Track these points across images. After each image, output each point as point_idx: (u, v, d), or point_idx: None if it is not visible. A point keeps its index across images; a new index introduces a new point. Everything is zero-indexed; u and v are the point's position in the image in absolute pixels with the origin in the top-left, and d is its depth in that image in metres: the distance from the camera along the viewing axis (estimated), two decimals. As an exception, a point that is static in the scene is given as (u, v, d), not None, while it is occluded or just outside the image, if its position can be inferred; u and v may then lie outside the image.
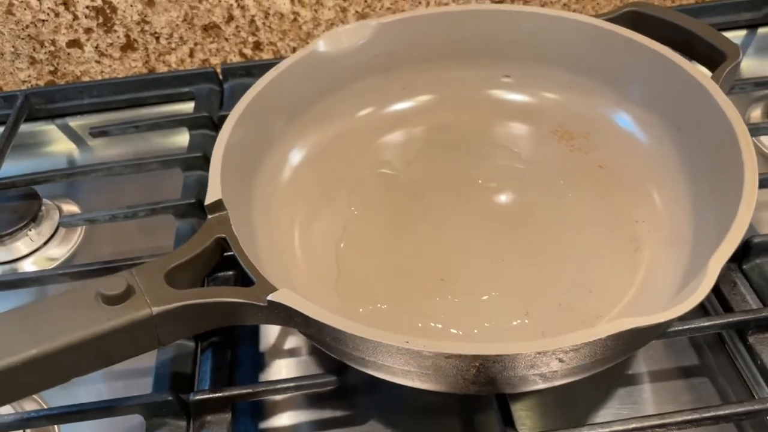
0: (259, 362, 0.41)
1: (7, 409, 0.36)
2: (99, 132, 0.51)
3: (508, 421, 0.33)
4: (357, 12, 0.59)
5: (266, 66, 0.56)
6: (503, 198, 0.43)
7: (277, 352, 0.42)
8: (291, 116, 0.43)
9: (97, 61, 0.60)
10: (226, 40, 0.60)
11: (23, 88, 0.61)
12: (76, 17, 0.57)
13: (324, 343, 0.32)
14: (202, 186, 0.48)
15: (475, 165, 0.45)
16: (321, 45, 0.44)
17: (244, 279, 0.42)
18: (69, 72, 0.60)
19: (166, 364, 0.38)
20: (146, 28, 0.58)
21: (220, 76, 0.57)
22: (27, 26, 0.57)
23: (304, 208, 0.42)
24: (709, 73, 0.40)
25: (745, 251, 0.39)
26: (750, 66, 0.59)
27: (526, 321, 0.36)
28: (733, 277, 0.39)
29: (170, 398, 0.35)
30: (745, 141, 0.34)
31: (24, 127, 0.55)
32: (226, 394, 0.35)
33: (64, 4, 0.56)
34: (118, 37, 0.59)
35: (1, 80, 0.60)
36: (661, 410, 0.37)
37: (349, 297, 0.39)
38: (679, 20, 0.42)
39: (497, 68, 0.48)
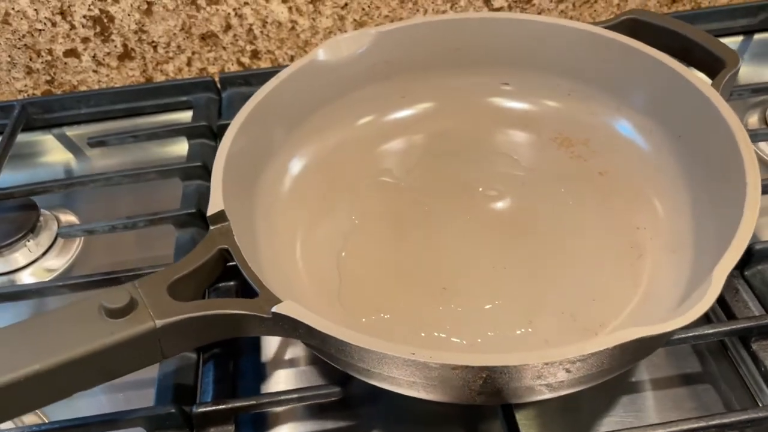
0: (261, 373, 0.41)
1: (8, 425, 0.36)
2: (97, 142, 0.51)
3: (514, 430, 0.33)
4: (355, 20, 0.59)
5: (264, 74, 0.56)
6: (504, 205, 0.43)
7: (279, 362, 0.42)
8: (291, 125, 0.43)
9: (95, 71, 0.60)
10: (224, 48, 0.60)
11: (20, 98, 0.60)
12: (73, 27, 0.57)
13: (328, 354, 0.32)
14: (202, 195, 0.47)
15: (476, 172, 0.45)
16: (320, 54, 0.44)
17: (245, 289, 0.42)
18: (66, 81, 0.60)
19: (169, 376, 0.37)
20: (144, 37, 0.58)
21: (218, 85, 0.57)
22: (23, 36, 0.57)
23: (305, 218, 0.42)
24: (707, 80, 0.40)
25: (746, 258, 0.40)
26: (746, 72, 0.59)
27: (530, 330, 0.36)
28: (735, 283, 0.39)
29: (173, 411, 0.34)
30: (747, 148, 0.34)
31: (21, 137, 0.55)
32: (230, 406, 0.35)
33: (61, 13, 0.56)
34: (115, 46, 0.58)
35: (-3, 90, 0.60)
36: (664, 418, 0.37)
37: (351, 306, 0.38)
38: (677, 27, 0.42)
39: (496, 76, 0.48)
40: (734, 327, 0.36)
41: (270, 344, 0.42)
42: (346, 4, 0.58)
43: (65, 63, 0.59)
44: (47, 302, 0.46)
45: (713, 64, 0.40)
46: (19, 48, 0.58)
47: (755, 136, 0.47)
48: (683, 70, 0.40)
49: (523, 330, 0.36)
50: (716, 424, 0.32)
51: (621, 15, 0.44)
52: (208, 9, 0.57)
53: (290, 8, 0.58)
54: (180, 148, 0.55)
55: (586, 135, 0.45)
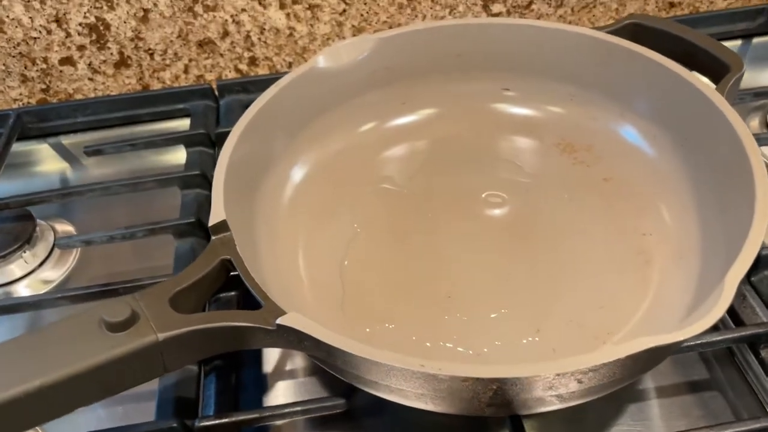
0: (263, 385, 0.40)
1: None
2: (93, 150, 0.50)
3: (523, 441, 0.32)
4: (353, 26, 0.59)
5: (262, 81, 0.56)
6: (508, 212, 0.43)
7: (280, 374, 0.41)
8: (292, 132, 0.43)
9: (90, 79, 0.59)
10: (221, 55, 0.59)
11: (14, 106, 0.60)
12: (68, 34, 0.56)
13: (334, 366, 0.31)
14: (201, 205, 0.47)
15: (479, 179, 0.45)
16: (321, 60, 0.43)
17: (246, 300, 0.42)
18: (61, 90, 0.59)
19: (170, 389, 0.37)
20: (140, 44, 0.58)
21: (216, 93, 0.57)
22: (18, 44, 0.56)
23: (306, 226, 0.42)
24: (711, 85, 0.40)
25: (754, 264, 0.39)
26: (745, 76, 0.59)
27: (537, 339, 0.36)
28: (742, 290, 0.39)
29: (175, 425, 0.34)
30: (754, 153, 0.34)
31: (16, 147, 0.54)
32: (233, 419, 0.34)
33: (57, 21, 0.55)
34: (111, 54, 0.58)
35: (-9, 99, 0.59)
36: (672, 426, 0.37)
37: (355, 316, 0.38)
38: (681, 32, 0.42)
39: (497, 81, 0.47)
40: (743, 333, 0.36)
41: (271, 356, 0.42)
42: (344, 11, 0.58)
43: (61, 71, 0.58)
44: (44, 314, 0.46)
45: (717, 69, 0.40)
46: (13, 56, 0.57)
47: (757, 140, 0.46)
48: (688, 75, 0.39)
49: (530, 339, 0.36)
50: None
51: (623, 20, 0.44)
52: (205, 16, 0.57)
53: (288, 15, 0.57)
54: (176, 156, 0.54)
55: (590, 141, 0.45)
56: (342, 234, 0.42)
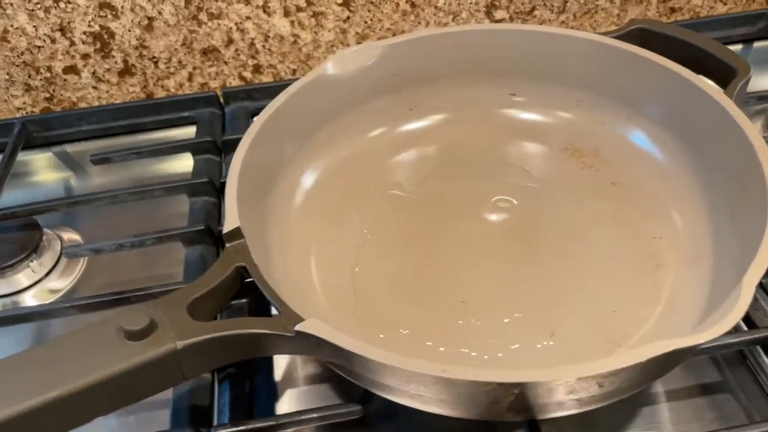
0: (275, 393, 0.40)
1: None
2: (100, 159, 0.50)
3: (542, 446, 0.32)
4: (357, 33, 0.59)
5: (267, 89, 0.56)
6: (518, 217, 0.43)
7: (292, 381, 0.41)
8: (302, 139, 0.43)
9: (94, 87, 0.59)
10: (226, 63, 0.59)
11: (18, 115, 0.59)
12: (73, 43, 0.56)
13: (351, 372, 0.31)
14: (209, 212, 0.47)
15: (488, 184, 0.45)
16: (329, 67, 0.44)
17: (256, 307, 0.42)
18: (65, 98, 0.59)
19: (184, 398, 0.37)
20: (144, 52, 0.57)
21: (221, 100, 0.57)
22: (22, 53, 0.56)
23: (317, 232, 0.42)
24: (718, 89, 0.40)
25: (765, 267, 0.39)
26: (746, 80, 0.59)
27: (551, 343, 0.36)
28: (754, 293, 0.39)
29: (190, 433, 0.34)
30: (765, 156, 0.34)
31: (20, 156, 0.54)
32: (249, 427, 0.34)
33: (61, 30, 0.55)
34: (115, 62, 0.58)
35: (-6, 108, 0.59)
36: (686, 429, 0.37)
37: (368, 322, 0.38)
38: (687, 37, 0.42)
39: (504, 87, 0.48)
40: (756, 336, 0.36)
41: (281, 363, 0.41)
42: (348, 18, 0.58)
43: (65, 80, 0.58)
44: (51, 324, 0.45)
45: (724, 73, 0.40)
46: (17, 65, 0.57)
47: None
48: (696, 79, 0.40)
49: (545, 343, 0.36)
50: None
51: (629, 25, 0.44)
52: (209, 24, 0.57)
53: (292, 22, 0.57)
54: (177, 164, 0.55)
55: (597, 145, 0.45)
56: (352, 240, 0.42)
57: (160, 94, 0.60)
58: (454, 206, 0.44)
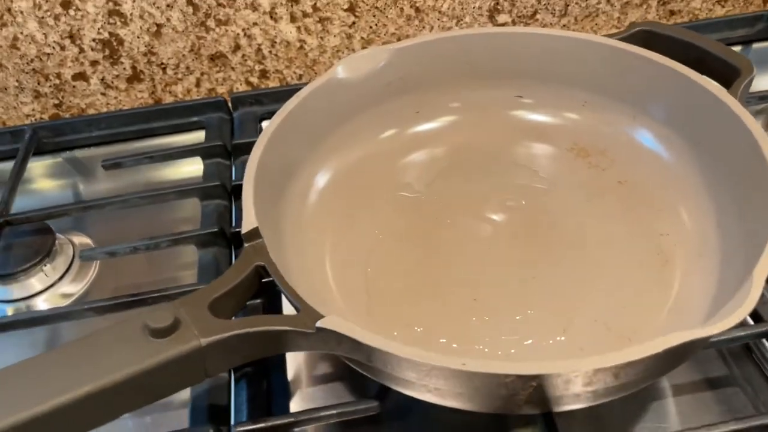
0: (289, 391, 0.41)
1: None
2: (112, 164, 0.51)
3: (557, 439, 0.33)
4: (362, 38, 0.60)
5: (275, 93, 0.57)
6: (526, 216, 0.44)
7: (306, 380, 0.41)
8: (315, 141, 0.44)
9: (103, 94, 0.60)
10: (233, 69, 0.60)
11: (27, 122, 0.60)
12: (82, 50, 0.57)
13: (369, 367, 0.32)
14: (221, 215, 0.47)
15: (497, 184, 0.45)
16: (339, 71, 0.44)
17: (271, 307, 0.42)
18: (74, 105, 0.60)
19: (202, 397, 0.37)
20: (153, 59, 0.58)
21: (230, 105, 0.57)
22: (32, 60, 0.57)
23: (331, 233, 0.42)
24: (722, 88, 0.41)
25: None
26: (746, 81, 0.60)
27: (564, 338, 0.37)
28: (760, 286, 0.40)
29: (211, 431, 0.34)
30: (771, 153, 0.35)
31: (31, 162, 0.54)
32: (269, 424, 0.34)
33: (71, 37, 0.56)
34: (124, 68, 0.58)
35: (4, 115, 0.60)
36: (696, 423, 0.37)
37: (382, 321, 0.38)
38: (690, 38, 0.43)
39: (510, 89, 0.48)
40: (764, 329, 0.37)
41: (295, 362, 0.42)
42: (353, 23, 0.59)
43: (74, 86, 0.59)
44: (63, 328, 0.46)
45: (728, 73, 0.41)
46: (27, 72, 0.57)
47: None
48: (700, 79, 0.40)
49: (557, 338, 0.36)
50: (758, 425, 0.33)
51: (633, 27, 0.45)
52: (217, 30, 0.57)
53: (299, 28, 0.58)
54: (184, 170, 0.55)
55: (603, 145, 0.46)
56: (365, 240, 0.43)
57: (167, 99, 0.61)
58: (464, 206, 0.45)
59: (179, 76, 0.60)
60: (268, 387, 0.39)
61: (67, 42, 0.56)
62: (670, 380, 0.40)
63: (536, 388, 0.28)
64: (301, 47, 0.60)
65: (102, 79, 0.59)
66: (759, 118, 0.55)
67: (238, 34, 0.58)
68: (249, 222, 0.35)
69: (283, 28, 0.58)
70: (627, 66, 0.44)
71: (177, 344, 0.29)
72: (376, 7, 0.58)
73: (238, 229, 0.46)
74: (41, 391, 0.27)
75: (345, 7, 0.58)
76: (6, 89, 0.58)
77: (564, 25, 0.63)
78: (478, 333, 0.37)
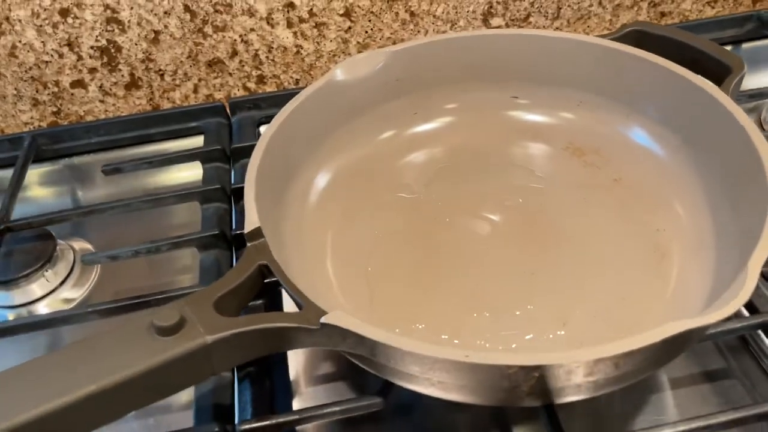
0: (291, 391, 0.41)
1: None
2: (112, 169, 0.51)
3: (560, 430, 0.33)
4: (358, 43, 0.61)
5: (273, 98, 0.57)
6: (524, 214, 0.44)
7: (308, 380, 0.42)
8: (315, 142, 0.44)
9: (101, 101, 0.60)
10: (230, 74, 0.60)
11: (25, 130, 0.60)
12: (80, 58, 0.57)
13: (373, 363, 0.32)
14: (221, 217, 0.48)
15: (494, 183, 0.46)
16: (338, 74, 0.45)
17: (273, 308, 0.43)
18: (72, 112, 0.60)
19: (206, 397, 0.37)
20: (151, 65, 0.59)
21: (228, 110, 0.58)
22: (30, 68, 0.57)
23: (332, 232, 0.43)
24: (714, 85, 0.41)
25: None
26: (736, 80, 0.61)
27: (563, 333, 0.37)
28: (755, 279, 0.40)
29: (216, 429, 0.35)
30: (763, 147, 0.36)
31: (31, 169, 0.55)
32: (273, 422, 0.35)
33: (69, 44, 0.56)
34: (122, 75, 0.59)
35: (2, 123, 0.60)
36: (695, 414, 0.38)
37: (384, 318, 0.39)
38: (682, 37, 0.44)
39: (506, 90, 0.49)
40: (760, 320, 0.37)
41: (296, 363, 0.42)
42: (349, 28, 0.59)
43: (72, 94, 0.59)
44: (65, 333, 0.46)
45: (719, 71, 0.42)
46: (25, 80, 0.58)
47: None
48: (692, 77, 0.41)
49: (557, 333, 0.37)
50: (756, 413, 0.33)
51: (625, 27, 0.46)
52: (214, 36, 0.58)
53: (295, 33, 0.59)
54: (181, 175, 0.56)
55: (598, 144, 0.47)
56: (365, 240, 0.43)
57: (165, 106, 0.61)
58: (462, 206, 0.45)
59: (177, 82, 0.60)
60: (270, 386, 0.39)
61: (65, 50, 0.57)
62: (669, 374, 0.40)
63: (539, 378, 0.29)
64: (298, 52, 0.60)
65: (100, 86, 0.59)
66: (751, 116, 0.56)
67: (235, 40, 0.58)
68: (251, 221, 0.35)
69: (279, 34, 0.59)
70: (620, 66, 0.44)
71: (183, 342, 0.30)
72: (372, 12, 0.59)
73: (238, 232, 0.47)
74: (50, 390, 0.28)
75: (341, 12, 0.58)
76: (4, 97, 0.58)
77: (557, 28, 0.64)
78: (479, 329, 0.38)
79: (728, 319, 0.38)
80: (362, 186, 0.45)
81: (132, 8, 0.55)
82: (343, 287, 0.40)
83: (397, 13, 0.59)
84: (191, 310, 0.31)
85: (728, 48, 0.62)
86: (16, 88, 0.58)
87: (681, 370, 0.40)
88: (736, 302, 0.28)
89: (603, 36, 0.46)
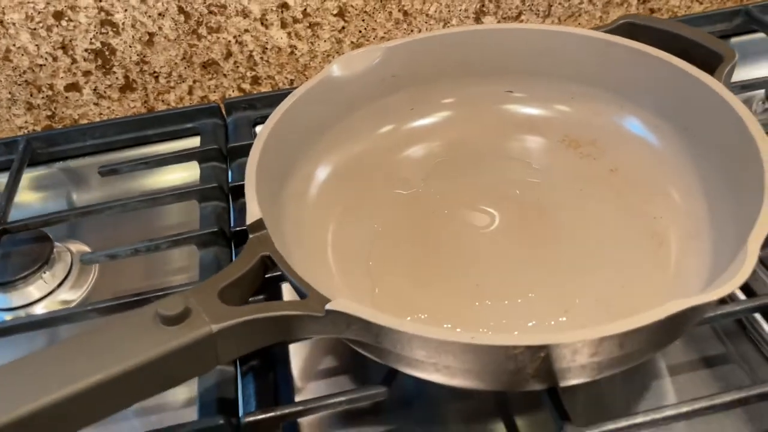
0: (295, 384, 0.41)
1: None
2: (108, 170, 0.51)
3: (564, 415, 0.33)
4: (352, 42, 0.61)
5: (268, 98, 0.57)
6: (522, 206, 0.44)
7: (310, 374, 0.42)
8: (314, 137, 0.44)
9: (96, 104, 0.60)
10: (225, 76, 0.61)
11: (20, 134, 0.60)
12: (74, 61, 0.57)
13: (380, 350, 0.32)
14: (219, 215, 0.48)
15: (492, 176, 0.46)
16: (335, 70, 0.45)
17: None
18: (67, 116, 0.60)
19: (210, 391, 0.37)
20: (145, 68, 0.59)
21: (223, 111, 0.58)
22: (24, 72, 0.57)
23: (332, 225, 0.43)
24: (707, 75, 0.42)
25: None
26: (727, 74, 0.62)
27: (565, 319, 0.37)
28: (752, 263, 0.41)
29: (221, 422, 0.34)
30: (758, 132, 0.36)
31: (26, 173, 0.55)
32: (278, 413, 0.35)
33: (63, 48, 0.56)
34: (117, 78, 0.59)
35: (-3, 128, 0.60)
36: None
37: (386, 309, 0.39)
38: (674, 28, 0.44)
39: (501, 84, 0.50)
40: (757, 303, 0.38)
41: (299, 356, 0.42)
42: (343, 28, 0.60)
43: (66, 97, 0.59)
44: (61, 333, 0.46)
45: (711, 60, 0.42)
46: (19, 84, 0.58)
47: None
48: (685, 66, 0.42)
49: (559, 319, 0.37)
50: (757, 393, 0.33)
51: (618, 20, 0.47)
52: (209, 38, 0.58)
53: (289, 34, 0.59)
54: (176, 176, 0.56)
55: (593, 135, 0.47)
56: (365, 233, 0.43)
57: (160, 108, 0.61)
58: (461, 199, 0.45)
59: (172, 84, 0.60)
60: (274, 380, 0.39)
61: (59, 53, 0.57)
62: (668, 360, 0.41)
63: (544, 359, 0.29)
64: (292, 53, 0.60)
65: (95, 89, 0.59)
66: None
67: (229, 41, 0.59)
68: (253, 213, 0.36)
69: (274, 34, 0.59)
70: (614, 57, 0.45)
71: (189, 331, 0.29)
72: (365, 12, 0.59)
73: (237, 229, 0.47)
74: (56, 380, 0.27)
75: (334, 12, 0.59)
76: (-2, 102, 0.58)
77: (552, 23, 0.64)
78: (482, 317, 0.38)
79: (725, 302, 0.39)
80: (361, 181, 0.46)
81: (126, 10, 0.55)
82: (345, 280, 0.41)
83: (390, 13, 0.60)
84: (196, 300, 0.31)
85: (717, 43, 0.63)
86: (10, 92, 0.58)
87: (680, 356, 0.41)
88: (738, 278, 0.29)
89: (596, 28, 0.47)
